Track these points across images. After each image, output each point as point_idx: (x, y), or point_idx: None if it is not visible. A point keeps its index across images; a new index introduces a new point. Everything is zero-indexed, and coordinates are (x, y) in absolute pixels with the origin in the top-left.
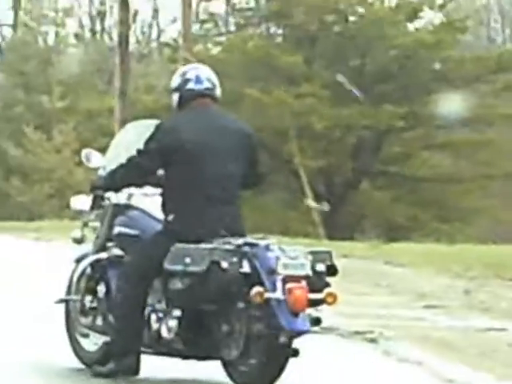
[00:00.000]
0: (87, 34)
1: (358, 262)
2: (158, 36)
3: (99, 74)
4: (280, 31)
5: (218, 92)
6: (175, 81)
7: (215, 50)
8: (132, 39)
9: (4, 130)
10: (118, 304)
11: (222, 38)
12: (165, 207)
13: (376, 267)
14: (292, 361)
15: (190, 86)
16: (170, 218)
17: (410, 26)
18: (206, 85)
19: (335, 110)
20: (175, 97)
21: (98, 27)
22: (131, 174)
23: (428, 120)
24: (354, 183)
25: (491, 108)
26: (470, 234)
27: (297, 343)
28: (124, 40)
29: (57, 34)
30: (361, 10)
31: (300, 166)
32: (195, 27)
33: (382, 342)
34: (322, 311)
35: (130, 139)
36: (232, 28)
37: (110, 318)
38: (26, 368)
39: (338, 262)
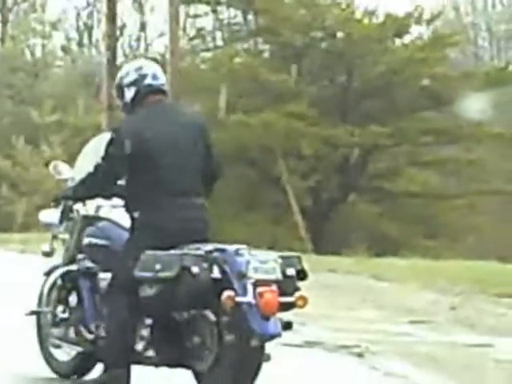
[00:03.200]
0: (74, 47)
1: (345, 276)
2: (146, 50)
3: (86, 87)
4: (267, 46)
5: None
6: (130, 76)
7: (203, 66)
8: (119, 52)
9: None
10: (107, 317)
11: (209, 54)
12: (129, 207)
13: (362, 282)
14: (278, 373)
15: (148, 81)
16: (136, 214)
17: (398, 42)
18: (162, 81)
19: (322, 130)
20: (130, 92)
21: (85, 40)
22: (99, 181)
23: (415, 137)
24: (341, 199)
25: (478, 126)
26: (456, 250)
27: (284, 356)
28: (111, 53)
29: (43, 46)
30: (348, 26)
31: (287, 184)
32: (183, 42)
33: (368, 356)
34: (306, 324)
35: (97, 149)
36: (220, 43)
37: (83, 329)
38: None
39: (325, 277)
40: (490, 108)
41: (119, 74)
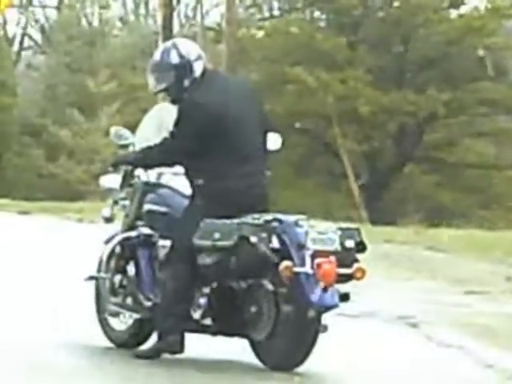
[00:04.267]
0: (131, 17)
1: (400, 247)
2: (202, 19)
3: (143, 57)
4: (323, 16)
5: None
6: (194, 51)
7: (259, 35)
8: (176, 22)
9: (48, 110)
10: (164, 284)
11: (266, 23)
12: (193, 175)
13: (418, 253)
14: (334, 343)
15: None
16: (200, 181)
17: (454, 13)
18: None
19: (378, 95)
20: (199, 66)
21: (142, 10)
22: (164, 155)
23: (471, 107)
24: (397, 168)
25: None
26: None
27: (340, 327)
28: (168, 23)
29: (101, 15)
30: None
31: (343, 150)
32: (239, 11)
33: (424, 327)
34: (362, 295)
35: (160, 118)
36: (276, 13)
37: (141, 296)
38: (61, 346)
39: (381, 248)
40: None
41: (181, 51)
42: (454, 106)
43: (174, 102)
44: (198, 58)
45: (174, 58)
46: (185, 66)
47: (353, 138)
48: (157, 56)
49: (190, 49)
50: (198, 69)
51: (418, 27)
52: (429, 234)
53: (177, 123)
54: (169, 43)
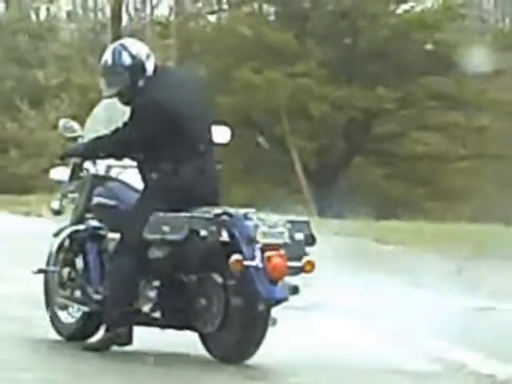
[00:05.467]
0: (79, 10)
1: (348, 239)
2: (151, 12)
3: (91, 50)
4: (272, 9)
5: None
6: (143, 49)
7: (207, 29)
8: (124, 15)
9: None
10: (111, 276)
11: (214, 18)
12: (146, 169)
13: (366, 245)
14: (282, 336)
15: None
16: (154, 175)
17: (403, 7)
18: None
19: (327, 91)
20: (150, 64)
21: (90, 3)
22: (115, 146)
23: (420, 101)
24: (346, 161)
25: (482, 92)
26: (459, 213)
27: (288, 319)
28: (116, 16)
29: (48, 9)
30: None
31: (292, 145)
32: (188, 4)
33: (370, 319)
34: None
35: (109, 113)
36: (225, 6)
37: (90, 289)
38: (7, 339)
39: (329, 240)
40: (494, 74)
41: (132, 52)
42: (402, 100)
43: (126, 103)
44: (149, 56)
45: (127, 60)
46: (138, 67)
47: (302, 133)
48: (108, 59)
49: (140, 48)
50: (149, 67)
51: (367, 20)
52: (377, 227)
53: (131, 118)
54: (116, 45)
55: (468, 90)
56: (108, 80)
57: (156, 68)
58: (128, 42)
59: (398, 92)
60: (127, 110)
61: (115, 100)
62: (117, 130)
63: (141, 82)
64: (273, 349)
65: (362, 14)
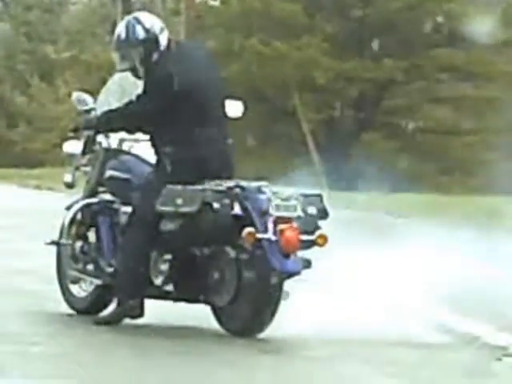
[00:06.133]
0: None
1: (360, 213)
2: None
3: (102, 23)
4: None
5: None
6: (157, 24)
7: (216, 2)
8: None
9: (8, 79)
10: (124, 249)
11: None
12: (159, 142)
13: (378, 218)
14: (294, 309)
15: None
16: (168, 149)
17: None
18: None
19: (336, 63)
20: (164, 38)
21: None
22: (129, 118)
23: (430, 73)
24: (357, 135)
25: (492, 64)
26: (469, 186)
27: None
28: None
29: None
30: None
31: (302, 118)
32: None
33: (383, 291)
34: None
35: (124, 87)
36: None
37: (102, 262)
38: (18, 313)
39: (340, 213)
40: (503, 45)
41: (146, 26)
42: (412, 73)
43: (140, 77)
44: (162, 30)
45: (141, 34)
46: (152, 40)
47: (312, 106)
48: (121, 32)
49: (154, 22)
50: (163, 41)
51: None
52: (388, 200)
53: (144, 91)
54: (130, 18)
55: (477, 62)
56: (122, 54)
57: (169, 42)
58: (142, 15)
59: (407, 63)
60: (140, 83)
61: (128, 73)
62: (130, 103)
63: (155, 56)
64: (285, 322)
65: None
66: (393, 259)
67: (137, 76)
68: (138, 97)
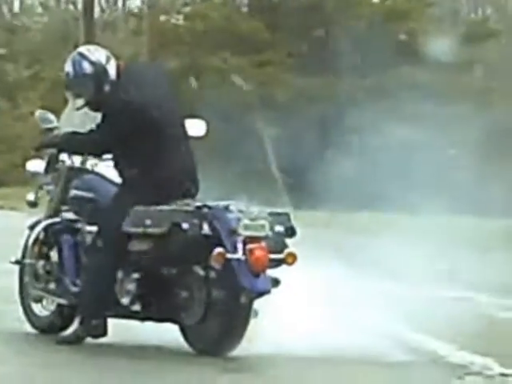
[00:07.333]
0: (52, 3)
1: (321, 231)
2: (124, 4)
3: (64, 43)
4: (245, 0)
5: None
6: (102, 54)
7: (180, 20)
8: (97, 8)
9: None
10: (88, 269)
11: (187, 8)
12: (125, 164)
13: (337, 236)
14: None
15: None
16: (134, 171)
17: None
18: None
19: (298, 81)
20: (112, 68)
21: None
22: (91, 146)
23: (392, 92)
24: (318, 153)
25: (454, 83)
26: (432, 206)
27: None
28: (89, 8)
29: (22, 2)
30: None
31: (263, 136)
32: None
33: (341, 309)
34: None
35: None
36: None
37: (66, 281)
38: None
39: (300, 231)
40: (467, 64)
41: (91, 59)
42: (375, 91)
43: (97, 110)
44: (109, 59)
45: (88, 68)
46: (100, 73)
47: (273, 124)
48: (69, 71)
49: (99, 54)
50: (112, 71)
51: (340, 10)
52: (349, 218)
53: (103, 121)
54: (75, 54)
55: (441, 81)
56: (74, 92)
57: (118, 69)
58: (85, 49)
59: (370, 82)
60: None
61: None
62: (91, 131)
63: (106, 87)
64: (253, 341)
65: (334, 5)
66: (353, 278)
67: (94, 110)
68: (98, 126)
